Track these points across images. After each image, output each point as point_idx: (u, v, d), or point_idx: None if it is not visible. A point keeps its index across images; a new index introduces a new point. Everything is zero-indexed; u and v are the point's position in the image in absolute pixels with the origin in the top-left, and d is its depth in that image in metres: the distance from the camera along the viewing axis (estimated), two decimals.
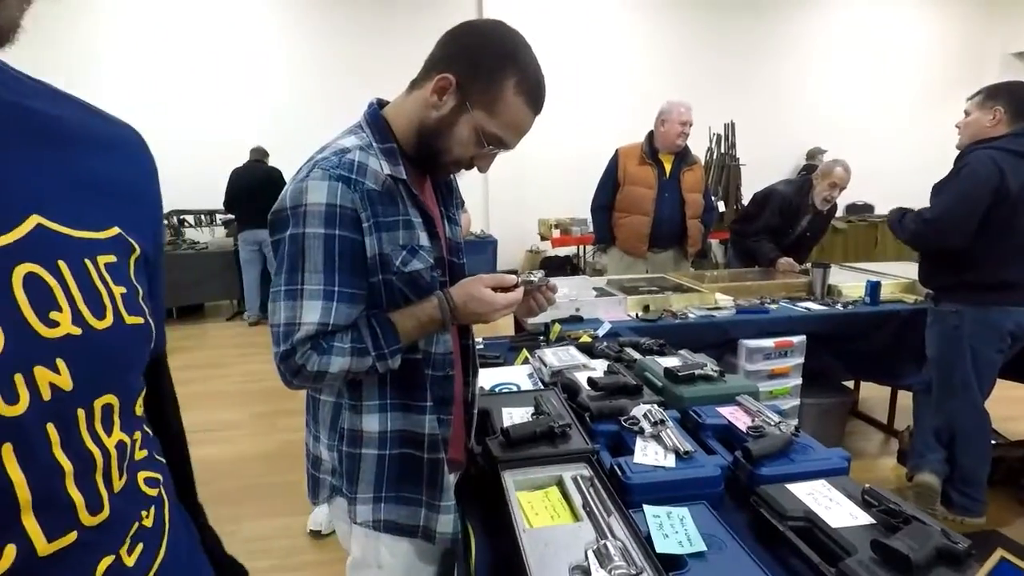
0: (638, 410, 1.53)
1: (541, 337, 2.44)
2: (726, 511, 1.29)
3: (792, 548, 1.12)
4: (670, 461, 1.34)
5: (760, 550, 1.16)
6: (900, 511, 1.11)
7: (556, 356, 2.04)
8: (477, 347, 2.40)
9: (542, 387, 1.77)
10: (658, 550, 1.08)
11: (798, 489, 1.24)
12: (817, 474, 1.31)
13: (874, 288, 3.21)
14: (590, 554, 1.04)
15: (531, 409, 1.54)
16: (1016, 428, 3.48)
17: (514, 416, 1.51)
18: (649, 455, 1.36)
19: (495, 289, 1.21)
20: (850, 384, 3.86)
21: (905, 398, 3.41)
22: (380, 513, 1.24)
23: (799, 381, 3.16)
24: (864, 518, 1.14)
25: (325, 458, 1.29)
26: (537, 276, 1.36)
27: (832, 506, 1.18)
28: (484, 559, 1.20)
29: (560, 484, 1.29)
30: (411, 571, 1.33)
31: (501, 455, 1.33)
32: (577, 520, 1.15)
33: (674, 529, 1.14)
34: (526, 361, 2.09)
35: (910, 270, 3.35)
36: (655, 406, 1.55)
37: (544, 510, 1.21)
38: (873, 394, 4.05)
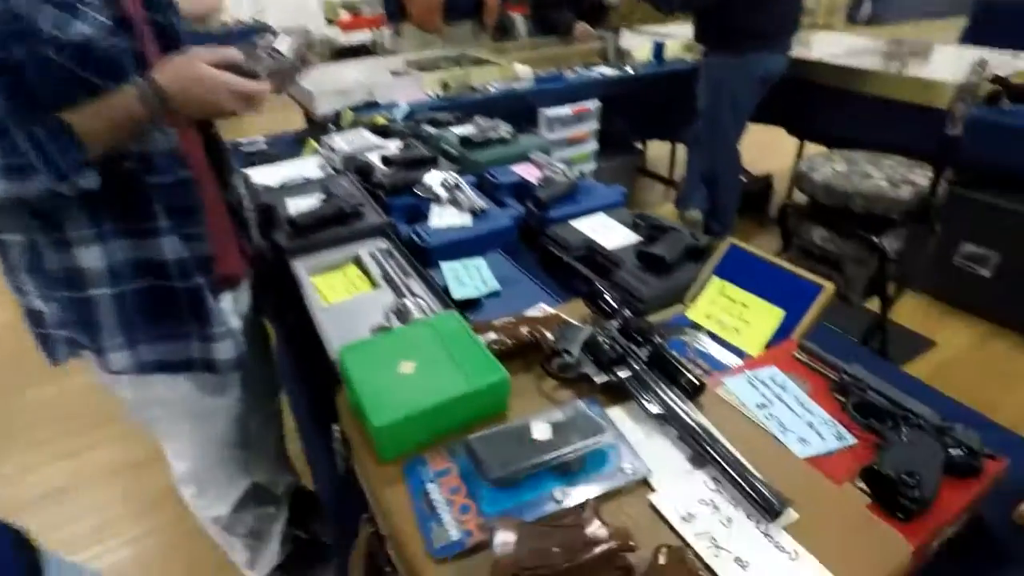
0: (433, 178, 1.51)
1: (331, 125, 2.24)
2: (520, 255, 1.38)
3: (575, 272, 1.24)
4: (466, 220, 1.37)
5: (549, 280, 1.27)
6: (661, 225, 1.27)
7: (347, 141, 1.90)
8: (258, 146, 2.18)
9: (334, 173, 1.66)
10: (456, 297, 1.13)
11: (581, 224, 1.34)
12: (598, 209, 1.42)
13: (659, 49, 3.35)
14: (390, 315, 1.06)
15: (320, 196, 1.44)
16: (758, 166, 4.11)
17: (301, 206, 1.41)
18: (445, 218, 1.37)
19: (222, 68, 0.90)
20: (639, 145, 4.21)
21: (682, 153, 3.81)
22: (139, 355, 1.04)
23: (596, 146, 3.35)
24: (633, 237, 1.29)
25: (44, 310, 1.01)
26: (283, 45, 1.01)
27: (608, 233, 1.31)
28: (286, 349, 1.18)
29: (357, 261, 1.27)
30: (200, 406, 1.20)
31: (289, 244, 1.26)
32: (376, 288, 1.16)
33: (470, 277, 1.20)
34: (316, 153, 1.93)
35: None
36: (451, 173, 1.53)
37: (342, 287, 1.20)
38: (658, 152, 4.48)
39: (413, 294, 1.11)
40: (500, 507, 0.63)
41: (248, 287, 1.35)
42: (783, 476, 0.66)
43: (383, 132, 2.04)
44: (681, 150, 3.98)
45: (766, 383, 0.85)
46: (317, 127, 2.33)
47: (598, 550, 0.56)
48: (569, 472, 0.67)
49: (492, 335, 0.84)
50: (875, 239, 1.96)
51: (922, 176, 1.96)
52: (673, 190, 4.11)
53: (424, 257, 1.27)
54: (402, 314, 1.04)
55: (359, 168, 1.66)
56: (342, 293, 1.17)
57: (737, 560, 0.58)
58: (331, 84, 2.66)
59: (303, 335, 1.12)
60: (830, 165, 2.09)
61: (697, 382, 0.76)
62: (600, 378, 0.78)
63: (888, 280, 2.07)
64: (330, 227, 1.31)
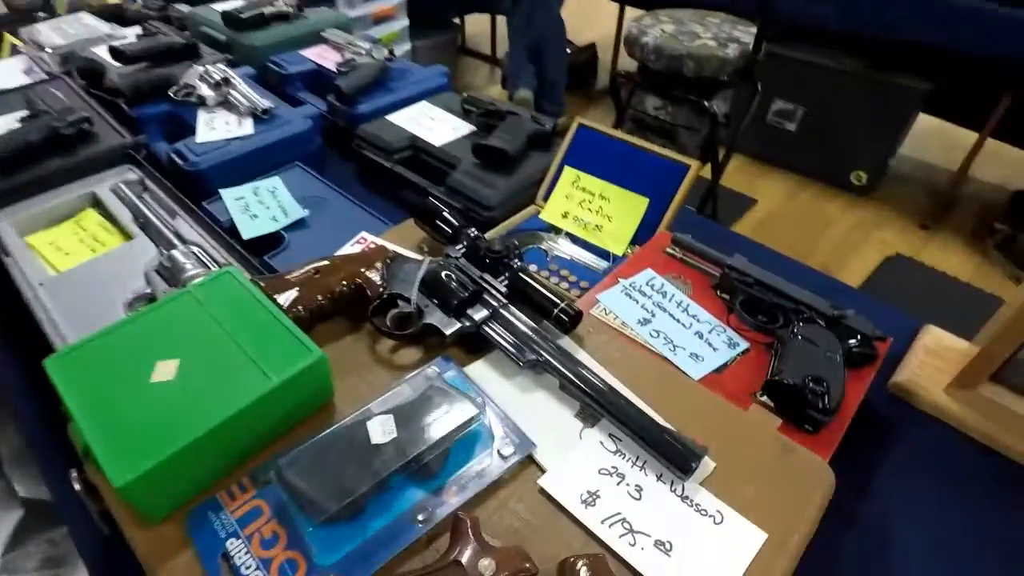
0: (193, 75, 1.13)
1: (40, 14, 1.65)
2: (329, 165, 1.11)
3: (401, 182, 1.00)
4: (247, 127, 1.04)
5: (369, 195, 1.03)
6: (496, 110, 1.05)
7: (62, 33, 1.39)
8: None
9: (43, 79, 1.19)
10: (246, 237, 0.86)
11: (400, 118, 1.09)
12: (419, 97, 1.16)
13: None
14: (152, 275, 0.76)
15: (21, 115, 1.01)
16: (580, 36, 3.97)
17: None
18: (218, 127, 1.04)
19: None
20: (457, 20, 3.83)
21: (503, 27, 3.51)
22: None
23: (406, 22, 2.95)
24: (466, 128, 1.06)
25: None
26: None
27: (435, 125, 1.07)
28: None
29: (97, 203, 0.91)
30: None
31: None
32: (130, 239, 0.84)
33: (264, 205, 0.91)
34: (16, 53, 1.39)
35: None
36: (218, 65, 1.16)
37: (79, 245, 0.85)
38: (478, 29, 4.12)
39: (185, 241, 0.82)
40: (340, 553, 0.44)
41: None
42: (686, 412, 0.54)
43: (116, 17, 1.53)
44: (502, 23, 3.68)
45: (644, 291, 0.72)
46: (16, 15, 1.71)
47: None
48: (430, 475, 0.49)
49: (293, 293, 0.60)
50: (706, 103, 1.92)
51: (745, 33, 1.91)
52: (498, 69, 3.85)
53: (195, 186, 0.95)
54: (172, 272, 0.75)
55: (83, 69, 1.21)
56: (79, 254, 0.84)
57: (658, 544, 0.45)
58: None
59: (24, 328, 0.78)
60: (659, 26, 1.97)
61: (572, 311, 0.60)
62: (450, 327, 0.59)
63: (718, 145, 2.07)
64: (43, 159, 0.93)
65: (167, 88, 1.12)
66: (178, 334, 0.53)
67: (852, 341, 0.63)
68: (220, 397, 0.48)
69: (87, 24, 1.43)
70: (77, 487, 0.51)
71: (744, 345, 0.66)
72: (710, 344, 0.66)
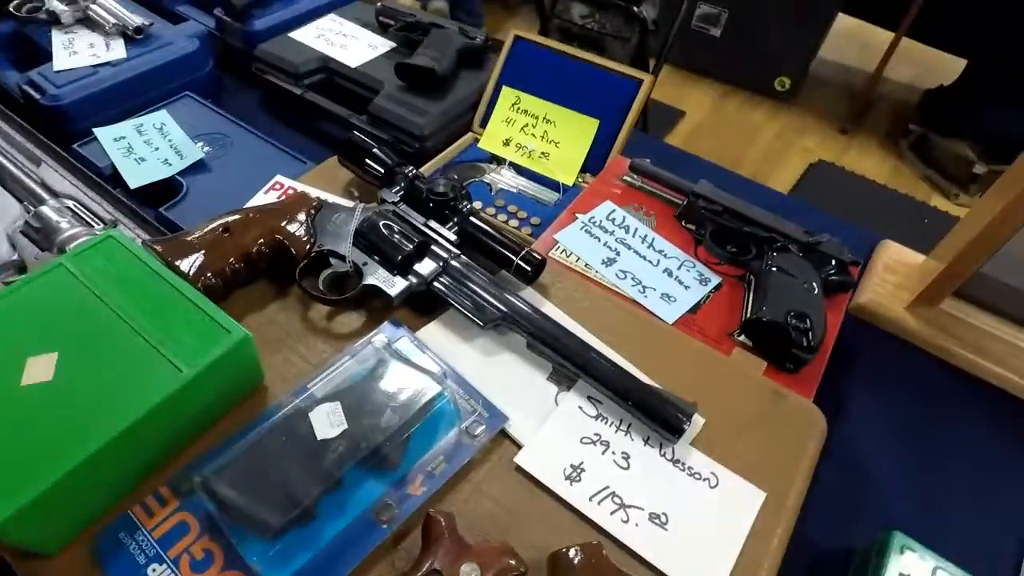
0: None
1: None
2: (227, 95, 0.95)
3: (314, 108, 0.87)
4: (118, 50, 0.86)
5: (279, 128, 0.89)
6: (418, 22, 0.92)
7: None
8: None
9: None
10: (134, 185, 0.72)
11: (305, 35, 0.93)
12: (324, 8, 1.00)
13: None
14: (18, 238, 0.63)
15: None
16: None
17: None
18: (80, 51, 0.85)
19: None
20: None
21: None
22: None
23: None
24: (384, 44, 0.93)
25: None
26: None
27: (348, 43, 0.93)
28: None
29: None
30: None
31: None
32: None
33: (152, 147, 0.76)
34: None
35: None
36: None
37: None
38: None
39: (56, 194, 0.67)
40: (291, 568, 0.37)
41: None
42: (666, 363, 0.49)
43: None
44: None
45: (604, 227, 0.65)
46: None
47: None
48: (390, 465, 0.42)
49: (199, 258, 0.50)
50: (635, 8, 1.81)
51: None
52: None
53: (61, 125, 0.79)
54: (43, 233, 0.62)
55: None
56: None
57: (653, 518, 0.41)
58: None
59: None
60: None
61: (535, 259, 0.53)
62: (396, 287, 0.51)
63: (648, 55, 1.98)
64: None
65: (6, 3, 0.91)
66: (53, 320, 0.42)
67: (828, 269, 0.59)
68: (116, 399, 0.38)
69: None
70: None
71: (716, 280, 0.61)
72: (680, 282, 0.61)
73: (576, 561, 0.36)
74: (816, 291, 0.56)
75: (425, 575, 0.35)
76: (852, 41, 3.07)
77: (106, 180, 0.71)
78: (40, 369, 0.40)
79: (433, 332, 0.51)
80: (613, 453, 0.44)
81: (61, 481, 0.35)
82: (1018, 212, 0.59)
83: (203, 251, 0.50)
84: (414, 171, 0.58)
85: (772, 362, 0.54)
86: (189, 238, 0.51)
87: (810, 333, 0.53)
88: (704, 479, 0.43)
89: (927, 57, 2.74)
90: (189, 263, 0.49)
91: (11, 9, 0.90)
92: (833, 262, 0.60)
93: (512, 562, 0.36)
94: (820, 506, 0.54)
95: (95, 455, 0.36)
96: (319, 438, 0.39)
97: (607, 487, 0.42)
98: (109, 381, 0.39)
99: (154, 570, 0.37)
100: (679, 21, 1.92)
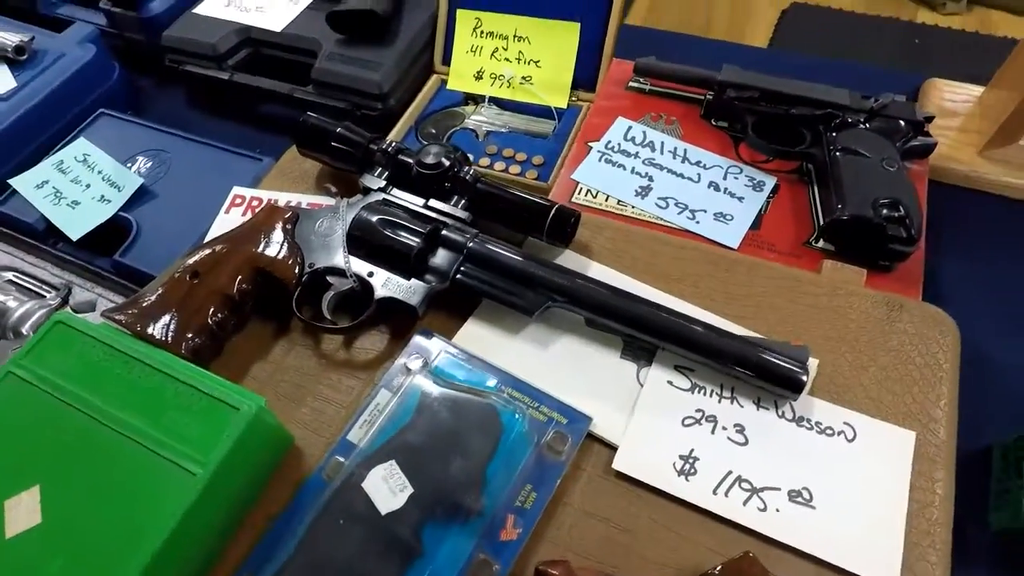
0: None
1: None
2: (145, 98, 0.82)
3: (249, 90, 0.75)
4: (4, 82, 0.73)
5: (214, 122, 0.77)
6: None
7: None
8: None
9: None
10: (76, 236, 0.61)
11: (212, 7, 0.79)
12: None
13: None
14: None
15: None
16: None
17: None
18: None
19: None
20: None
21: None
22: None
23: None
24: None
25: None
26: None
27: (264, 4, 0.79)
28: None
29: None
30: None
31: None
32: None
33: (82, 185, 0.65)
34: None
35: None
36: None
37: None
38: None
39: None
40: None
41: None
42: (752, 302, 0.41)
43: None
44: None
45: (626, 151, 0.55)
46: None
47: None
48: (472, 513, 0.34)
49: (170, 319, 0.40)
50: None
51: None
52: None
53: None
54: None
55: None
56: None
57: (794, 497, 0.34)
58: None
59: None
60: None
61: (569, 214, 0.43)
62: (415, 295, 0.42)
63: None
64: None
65: None
66: (21, 444, 0.34)
67: (902, 135, 0.50)
68: (126, 529, 0.31)
69: None
70: None
71: (772, 182, 0.52)
72: (732, 194, 0.52)
73: None
74: (897, 167, 0.47)
75: None
76: None
77: (42, 238, 0.60)
78: (23, 512, 0.32)
79: (472, 333, 0.42)
80: (724, 428, 0.37)
81: None
82: None
83: (175, 309, 0.40)
84: (394, 145, 0.47)
85: (864, 263, 0.46)
86: (153, 297, 0.41)
87: (907, 220, 0.44)
88: (839, 432, 0.36)
89: None
90: (163, 328, 0.40)
91: None
92: (903, 125, 0.50)
93: None
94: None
95: None
96: (383, 512, 0.32)
97: (730, 472, 0.35)
98: (111, 508, 0.32)
99: None
100: None
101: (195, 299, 0.41)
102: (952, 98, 0.67)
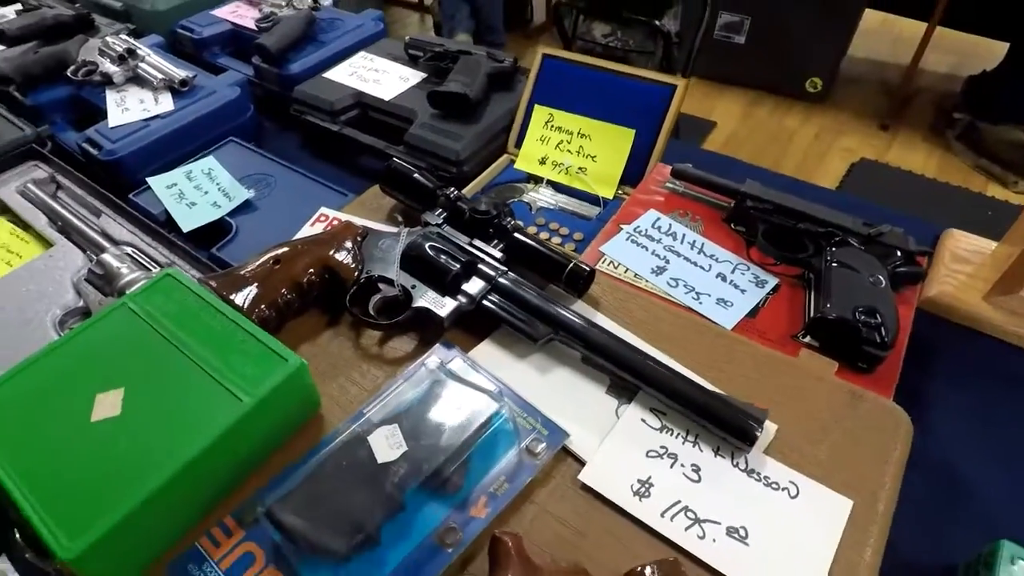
0: (90, 49, 0.98)
1: None
2: (268, 137, 0.98)
3: (354, 146, 0.89)
4: (165, 104, 0.90)
5: (320, 165, 0.91)
6: (447, 51, 0.94)
7: None
8: None
9: None
10: (186, 229, 0.74)
11: (339, 74, 0.96)
12: (355, 48, 1.03)
13: None
14: (83, 286, 0.65)
15: None
16: None
17: None
18: (132, 107, 0.89)
19: None
20: None
21: None
22: None
23: None
24: (415, 76, 0.94)
25: None
26: None
27: (380, 77, 0.95)
28: None
29: (4, 210, 0.78)
30: None
31: None
32: (49, 247, 0.71)
33: (201, 191, 0.79)
34: None
35: None
36: (120, 36, 1.00)
37: None
38: None
39: (116, 242, 0.70)
40: None
41: None
42: (730, 370, 0.47)
43: None
44: None
45: (651, 235, 0.64)
46: None
47: None
48: (452, 488, 0.41)
49: (252, 290, 0.50)
50: (657, 23, 1.81)
51: None
52: (428, 16, 3.63)
53: (117, 177, 0.82)
54: (105, 280, 0.64)
55: None
56: None
57: (732, 533, 0.39)
58: None
59: None
60: None
61: (585, 269, 0.51)
62: (445, 308, 0.50)
63: (674, 68, 1.98)
64: None
65: (64, 68, 0.96)
66: (118, 357, 0.43)
67: (893, 260, 0.56)
68: (181, 431, 0.39)
69: None
70: (28, 555, 0.42)
71: (773, 281, 0.59)
72: (736, 285, 0.59)
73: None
74: (883, 284, 0.54)
75: None
76: (883, 36, 3.00)
77: (161, 225, 0.73)
78: (108, 405, 0.40)
79: (486, 351, 0.50)
80: (682, 466, 0.42)
81: (131, 514, 0.35)
82: None
83: (256, 284, 0.50)
84: (455, 192, 0.58)
85: (844, 363, 0.51)
86: (242, 272, 0.51)
87: (882, 328, 0.50)
88: (783, 488, 0.41)
89: (964, 44, 2.65)
90: (243, 296, 0.49)
91: (68, 74, 0.95)
92: (898, 253, 0.57)
93: None
94: (914, 518, 0.50)
95: (163, 487, 0.36)
96: (379, 461, 0.39)
97: (679, 501, 0.40)
98: (173, 413, 0.40)
99: None
100: (703, 29, 1.91)
101: (273, 280, 0.51)
102: (968, 247, 0.73)
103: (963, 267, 0.70)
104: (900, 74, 2.59)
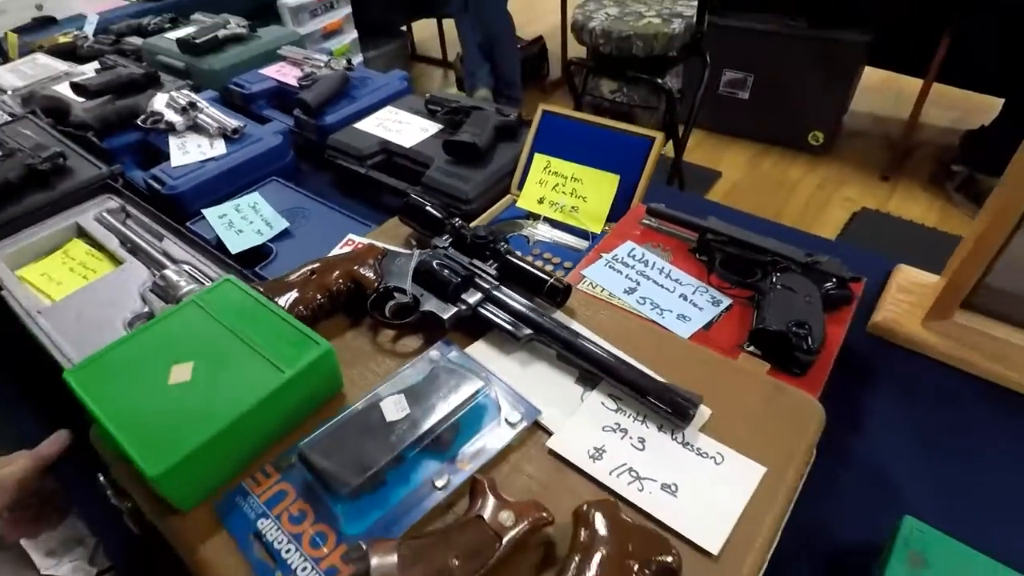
0: (159, 102, 1.14)
1: None
2: (305, 178, 1.12)
3: (378, 185, 1.03)
4: (219, 148, 1.05)
5: (347, 201, 1.05)
6: (461, 106, 1.08)
7: (20, 74, 1.38)
8: None
9: (9, 119, 1.18)
10: (234, 251, 0.87)
11: (367, 125, 1.11)
12: (382, 103, 1.19)
13: None
14: (148, 295, 0.78)
15: None
16: (527, 29, 4.01)
17: None
18: (191, 151, 1.05)
19: None
20: (404, 28, 3.84)
21: (451, 31, 3.54)
22: None
23: (355, 34, 2.96)
24: (433, 127, 1.09)
25: None
26: None
27: (403, 128, 1.10)
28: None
29: (82, 233, 0.92)
30: None
31: None
32: (119, 264, 0.85)
33: (247, 220, 0.93)
34: None
35: None
36: (182, 91, 1.17)
37: (70, 274, 0.86)
38: (426, 35, 4.14)
39: (175, 261, 0.83)
40: (366, 522, 0.46)
41: None
42: (678, 366, 0.57)
43: (71, 55, 1.52)
44: (449, 27, 3.70)
45: (626, 262, 0.75)
46: None
47: (507, 541, 0.43)
48: (444, 447, 0.51)
49: (293, 294, 0.62)
50: (659, 80, 1.97)
51: (688, 7, 1.97)
52: (451, 72, 3.87)
53: (177, 208, 0.97)
54: (166, 291, 0.77)
55: (47, 107, 1.21)
56: (72, 283, 0.84)
57: (665, 488, 0.49)
58: None
59: (23, 355, 0.79)
60: (603, 11, 2.02)
61: (562, 284, 0.63)
62: (447, 312, 0.62)
63: (677, 122, 2.12)
64: (22, 195, 0.93)
65: (134, 118, 1.13)
66: (188, 340, 0.55)
67: (828, 284, 0.67)
68: (236, 393, 0.50)
69: (43, 64, 1.43)
70: (107, 489, 0.53)
71: (727, 302, 0.70)
72: (695, 304, 0.69)
73: (595, 514, 0.44)
74: (815, 303, 0.64)
75: (471, 519, 0.44)
76: (885, 92, 3.14)
77: (213, 248, 0.86)
78: (181, 373, 0.52)
79: (478, 348, 0.61)
80: (631, 438, 0.52)
81: (196, 450, 0.46)
82: (1003, 223, 0.66)
83: (295, 289, 0.63)
84: (459, 222, 0.70)
85: (779, 367, 0.61)
86: (285, 280, 0.64)
87: (809, 338, 0.60)
88: (711, 457, 0.50)
89: (961, 99, 2.77)
90: (285, 299, 0.61)
91: (138, 123, 1.11)
92: (833, 279, 0.67)
93: (543, 514, 0.44)
94: (846, 507, 0.59)
95: (220, 433, 0.47)
96: (387, 420, 0.50)
97: (625, 464, 0.50)
98: (229, 380, 0.51)
99: (262, 523, 0.47)
100: (703, 86, 2.06)
101: (309, 287, 0.63)
102: (913, 280, 0.82)
103: (907, 297, 0.80)
104: (901, 128, 2.72)
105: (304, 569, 0.44)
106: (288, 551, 0.45)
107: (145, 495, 0.51)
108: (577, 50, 2.29)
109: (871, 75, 2.85)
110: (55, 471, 0.70)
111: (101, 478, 0.55)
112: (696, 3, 1.94)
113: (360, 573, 0.41)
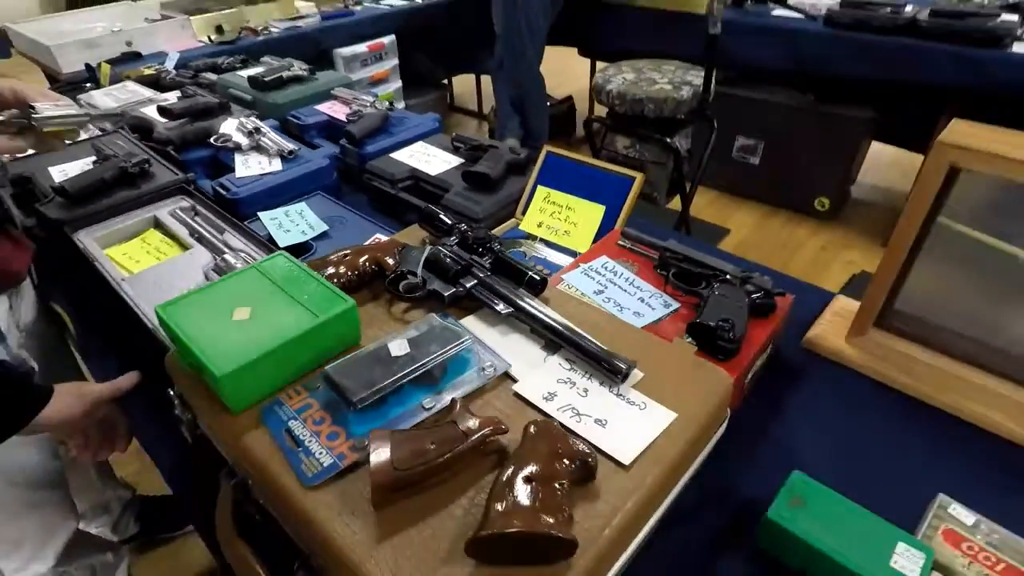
0: (229, 126, 1.36)
1: (87, 84, 1.91)
2: (345, 194, 1.32)
3: (404, 204, 1.21)
4: (276, 165, 1.26)
5: (378, 215, 1.23)
6: (480, 145, 1.28)
7: (112, 97, 1.63)
8: None
9: (103, 133, 1.42)
10: (282, 244, 1.06)
11: (401, 155, 1.31)
12: (415, 139, 1.39)
13: None
14: (209, 273, 0.96)
15: (91, 159, 1.23)
16: (559, 90, 4.30)
17: (69, 171, 1.20)
18: (252, 166, 1.26)
19: None
20: (444, 81, 4.16)
21: (488, 86, 3.83)
22: None
23: (399, 83, 3.25)
24: (456, 160, 1.28)
25: None
26: None
27: (430, 160, 1.29)
28: (89, 331, 1.03)
29: (158, 225, 1.12)
30: None
31: (65, 215, 1.07)
32: (187, 249, 1.04)
33: (294, 223, 1.12)
34: None
35: None
36: (248, 118, 1.39)
37: (145, 255, 1.06)
38: (465, 88, 4.47)
39: (232, 249, 1.02)
40: (369, 426, 0.62)
41: (30, 284, 1.16)
42: (625, 344, 0.73)
43: (155, 84, 1.78)
44: (486, 82, 4.01)
45: (599, 272, 0.92)
46: (66, 87, 1.97)
47: (472, 438, 0.58)
48: (434, 382, 0.67)
49: (330, 269, 0.80)
50: (668, 140, 2.17)
51: (697, 77, 2.18)
52: (485, 123, 4.16)
53: (237, 210, 1.16)
54: (223, 270, 0.95)
55: (135, 125, 1.44)
56: (148, 261, 1.04)
57: (597, 421, 0.63)
58: (72, 36, 2.24)
59: (107, 313, 0.98)
60: (621, 76, 2.25)
61: (539, 277, 0.79)
62: (447, 291, 0.78)
63: (685, 179, 2.31)
64: (113, 191, 1.14)
65: (207, 138, 1.35)
66: (248, 292, 0.73)
67: (756, 295, 0.82)
68: (282, 328, 0.67)
69: (132, 91, 1.68)
70: (175, 401, 0.70)
71: (676, 305, 0.85)
72: (650, 306, 0.85)
73: (538, 426, 0.59)
74: (743, 308, 0.79)
75: (446, 422, 0.59)
76: (894, 167, 3.30)
77: (264, 242, 1.05)
78: (242, 313, 0.69)
79: (470, 320, 0.78)
80: (578, 389, 0.67)
81: (251, 362, 0.63)
82: (898, 254, 0.81)
83: (331, 266, 0.80)
84: (465, 226, 0.88)
85: (708, 354, 0.76)
86: (325, 259, 0.81)
87: (732, 332, 0.75)
88: (636, 405, 0.65)
89: None
90: (325, 272, 0.79)
91: (211, 141, 1.33)
92: (762, 291, 0.83)
93: (501, 425, 0.60)
94: (756, 471, 0.73)
95: (267, 352, 0.64)
96: (392, 355, 0.66)
97: (570, 404, 0.65)
98: (277, 320, 0.68)
99: (292, 423, 0.63)
100: (710, 147, 2.26)
101: (343, 265, 0.81)
102: (846, 307, 0.97)
103: (837, 319, 0.94)
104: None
105: (320, 453, 0.60)
106: (310, 441, 0.61)
107: (206, 402, 0.67)
108: (601, 111, 2.51)
109: (883, 151, 3.02)
110: (124, 403, 0.88)
111: (170, 392, 0.72)
112: (703, 73, 2.16)
113: (363, 458, 0.57)
